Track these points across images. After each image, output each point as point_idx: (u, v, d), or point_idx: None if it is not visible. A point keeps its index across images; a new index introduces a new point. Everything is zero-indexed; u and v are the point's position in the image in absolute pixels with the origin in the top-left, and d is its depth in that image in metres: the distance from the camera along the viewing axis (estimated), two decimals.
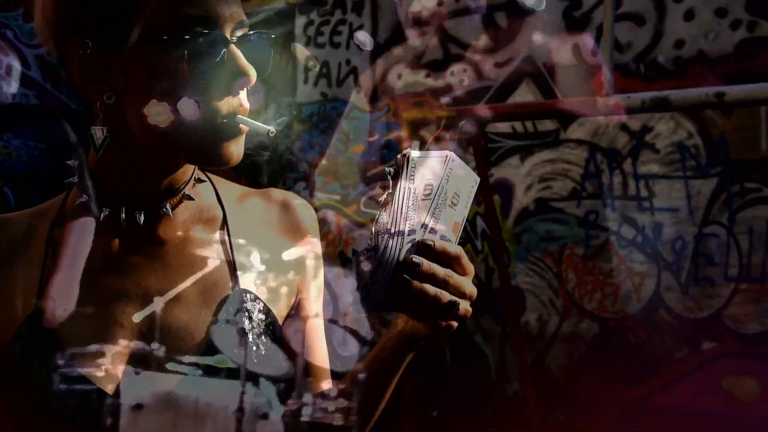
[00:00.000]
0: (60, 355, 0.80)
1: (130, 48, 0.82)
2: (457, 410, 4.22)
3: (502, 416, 4.09)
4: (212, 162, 0.87)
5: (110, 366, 0.83)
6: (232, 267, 0.91)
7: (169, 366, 0.81)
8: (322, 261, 1.04)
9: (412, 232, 0.82)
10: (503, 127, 4.14)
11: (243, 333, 0.87)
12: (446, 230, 0.85)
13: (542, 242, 4.08)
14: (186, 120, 0.79)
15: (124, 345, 0.83)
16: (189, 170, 0.92)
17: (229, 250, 0.91)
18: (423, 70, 4.53)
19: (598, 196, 3.90)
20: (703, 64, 3.62)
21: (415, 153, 0.83)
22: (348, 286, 0.81)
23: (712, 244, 3.60)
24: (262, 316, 0.90)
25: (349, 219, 4.85)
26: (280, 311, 0.95)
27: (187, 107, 0.79)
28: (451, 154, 0.84)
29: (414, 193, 0.82)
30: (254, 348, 0.88)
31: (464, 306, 0.86)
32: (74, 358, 0.82)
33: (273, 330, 0.91)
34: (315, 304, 1.01)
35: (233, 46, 0.82)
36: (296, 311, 0.99)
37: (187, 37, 0.79)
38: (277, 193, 1.03)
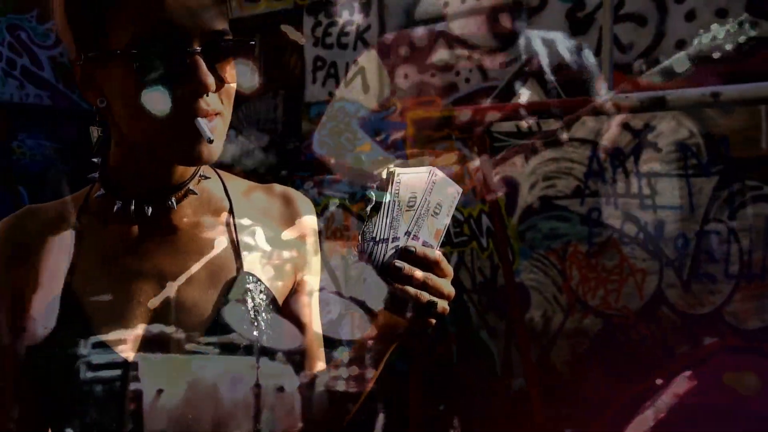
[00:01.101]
0: (84, 329, 0.89)
1: (105, 58, 0.91)
2: (463, 405, 4.27)
3: (508, 411, 4.13)
4: (186, 160, 0.96)
5: (132, 346, 0.93)
6: (237, 251, 1.00)
7: (188, 347, 0.89)
8: (318, 248, 1.13)
9: (396, 239, 0.91)
10: (507, 126, 4.19)
11: (256, 311, 0.96)
12: (428, 237, 0.93)
13: (546, 240, 4.14)
14: (152, 113, 0.87)
15: (142, 327, 0.92)
16: (192, 168, 0.99)
17: (235, 237, 1.01)
18: (429, 69, 4.59)
19: (601, 194, 3.95)
20: (704, 64, 3.66)
21: (399, 169, 0.92)
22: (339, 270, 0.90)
23: (714, 241, 3.65)
24: (263, 296, 1.00)
25: (356, 216, 4.92)
26: (280, 292, 1.04)
27: (150, 100, 0.87)
28: (434, 169, 0.92)
29: (398, 204, 0.91)
30: (261, 326, 0.97)
31: (442, 305, 0.94)
32: (98, 344, 0.91)
33: (275, 309, 1.01)
34: (312, 286, 1.10)
35: (197, 56, 0.88)
36: (296, 291, 1.08)
37: (135, 51, 0.87)
38: (279, 188, 1.13)
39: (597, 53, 3.89)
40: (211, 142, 0.89)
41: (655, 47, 3.78)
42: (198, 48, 0.89)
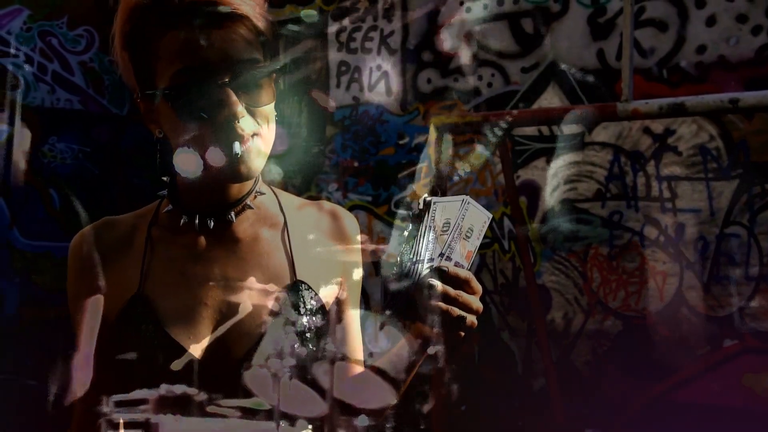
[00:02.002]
0: (156, 328, 0.99)
1: (154, 95, 1.04)
2: (485, 405, 4.31)
3: (529, 410, 4.18)
4: (230, 179, 1.07)
5: (195, 334, 1.05)
6: (291, 262, 1.12)
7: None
8: (361, 263, 1.24)
9: (431, 260, 1.01)
10: (530, 130, 4.24)
11: (308, 316, 1.06)
12: (460, 258, 1.03)
13: (567, 242, 4.18)
14: (213, 166, 0.97)
15: (206, 325, 1.03)
16: (249, 185, 1.09)
17: (289, 248, 1.13)
18: (452, 74, 4.65)
19: (622, 197, 3.99)
20: (724, 69, 3.70)
21: (436, 198, 1.02)
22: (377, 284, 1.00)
23: (733, 244, 3.68)
24: (314, 302, 1.11)
25: (380, 219, 4.98)
26: (328, 299, 1.15)
27: (215, 155, 0.97)
28: (468, 198, 1.02)
29: (434, 229, 1.01)
30: (312, 329, 1.09)
31: (470, 319, 1.04)
32: (171, 331, 1.03)
33: (322, 313, 1.12)
34: (353, 298, 1.22)
35: (226, 88, 1.01)
36: (340, 300, 1.19)
37: (168, 91, 1.00)
38: (328, 205, 1.24)
39: (618, 58, 3.94)
40: (238, 158, 0.97)
41: (676, 52, 3.82)
42: (227, 80, 1.00)
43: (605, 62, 4.01)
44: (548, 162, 4.24)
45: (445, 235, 1.02)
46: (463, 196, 1.03)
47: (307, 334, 1.08)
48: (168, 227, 1.14)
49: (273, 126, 1.08)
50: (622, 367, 3.96)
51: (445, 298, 1.00)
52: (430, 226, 1.01)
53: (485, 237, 3.95)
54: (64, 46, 5.90)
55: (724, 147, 3.71)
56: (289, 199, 1.20)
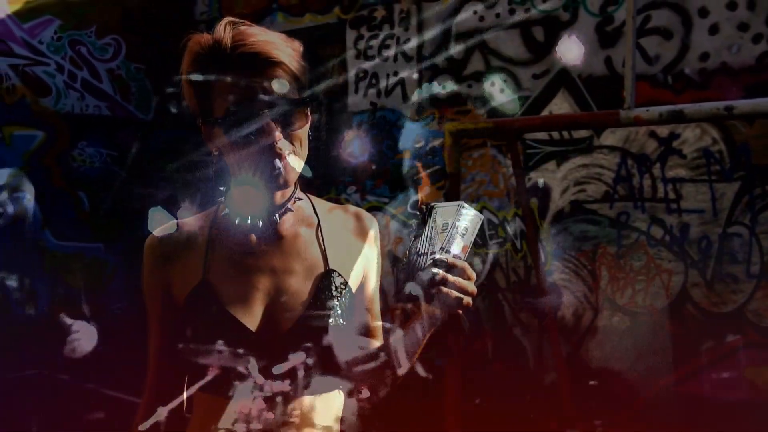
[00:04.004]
0: (219, 307, 1.20)
1: (212, 123, 1.29)
2: (498, 398, 4.45)
3: (540, 404, 4.32)
4: (275, 187, 1.32)
5: (249, 312, 1.29)
6: (324, 254, 1.37)
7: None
8: (380, 255, 1.49)
9: (433, 252, 1.24)
10: (540, 134, 4.39)
11: (338, 297, 1.33)
12: (457, 251, 1.25)
13: (577, 242, 4.33)
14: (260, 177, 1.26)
15: (258, 304, 1.26)
16: (289, 192, 1.31)
17: (322, 243, 1.38)
18: (465, 81, 4.82)
19: (629, 198, 4.14)
20: (726, 76, 3.84)
21: (437, 203, 1.26)
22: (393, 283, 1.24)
23: (736, 243, 3.82)
24: (343, 286, 1.36)
25: (397, 220, 5.14)
26: (354, 283, 1.41)
27: (261, 170, 1.27)
28: (462, 203, 1.26)
29: (435, 228, 1.24)
30: (342, 306, 1.33)
31: (467, 300, 1.24)
32: (230, 309, 1.27)
33: (350, 296, 1.37)
34: (374, 283, 1.46)
35: (267, 118, 1.26)
36: (363, 284, 1.44)
37: (223, 120, 1.26)
38: (352, 208, 1.50)
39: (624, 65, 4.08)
40: (278, 171, 1.24)
41: (680, 59, 3.96)
42: (266, 112, 1.25)
43: (613, 69, 4.16)
44: (558, 165, 4.39)
45: (444, 233, 1.24)
46: (459, 202, 1.26)
47: (338, 311, 1.32)
48: (225, 227, 1.38)
49: (306, 144, 1.34)
50: (629, 362, 4.09)
51: (445, 282, 1.21)
52: (432, 227, 1.24)
53: (498, 237, 4.12)
54: (93, 55, 6.11)
55: (727, 150, 3.84)
56: (321, 204, 1.46)
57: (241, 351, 1.15)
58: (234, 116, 1.26)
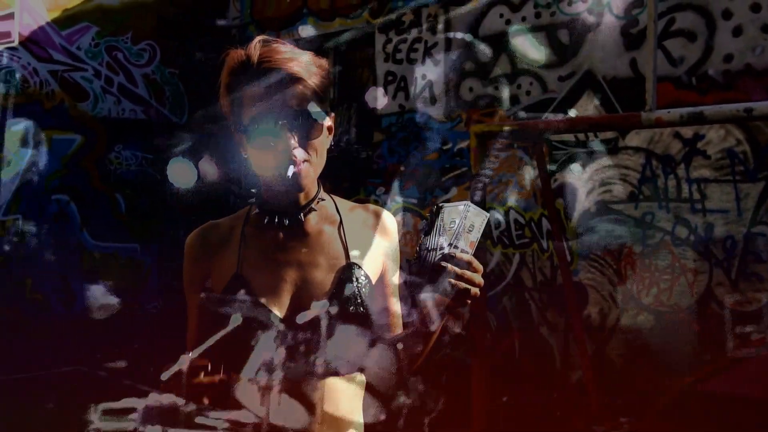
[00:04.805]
0: (251, 297, 1.32)
1: (240, 130, 1.44)
2: (525, 396, 4.51)
3: (566, 401, 4.39)
4: (292, 189, 1.44)
5: (278, 301, 1.43)
6: (346, 249, 1.50)
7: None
8: (398, 249, 1.61)
9: (442, 248, 1.35)
10: (566, 135, 4.45)
11: (359, 287, 1.46)
12: (464, 246, 1.36)
13: (603, 241, 4.38)
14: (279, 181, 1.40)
15: (286, 294, 1.43)
16: (313, 193, 1.47)
17: (344, 239, 1.51)
18: (492, 83, 4.89)
19: (654, 198, 4.18)
20: (750, 77, 3.87)
21: (445, 204, 1.36)
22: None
23: (760, 242, 3.85)
24: (363, 278, 1.48)
25: (425, 220, 5.22)
26: (373, 275, 1.52)
27: (278, 173, 1.40)
28: (468, 202, 1.37)
29: (443, 226, 1.36)
30: (362, 296, 1.46)
31: (474, 291, 1.35)
32: (262, 299, 1.42)
33: (369, 286, 1.48)
34: (392, 275, 1.57)
35: (285, 130, 1.39)
36: (382, 276, 1.55)
37: (247, 127, 1.41)
38: (372, 207, 1.61)
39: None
40: (293, 175, 1.38)
41: (705, 61, 4.00)
42: (284, 122, 1.38)
43: (637, 71, 4.21)
44: (584, 166, 4.45)
45: (452, 230, 1.35)
46: (465, 202, 1.38)
47: (359, 300, 1.45)
48: (256, 225, 1.51)
49: (323, 152, 1.47)
50: (655, 360, 4.13)
51: (453, 276, 1.32)
52: (440, 225, 1.35)
53: (525, 237, 4.19)
54: (129, 60, 6.29)
55: (751, 151, 3.88)
56: (343, 203, 1.58)
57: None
58: (256, 125, 1.40)
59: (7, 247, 5.70)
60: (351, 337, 1.40)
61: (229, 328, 1.33)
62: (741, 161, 3.90)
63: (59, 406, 4.66)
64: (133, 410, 1.29)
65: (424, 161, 5.26)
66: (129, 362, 5.46)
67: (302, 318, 1.40)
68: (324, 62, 1.47)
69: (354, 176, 5.61)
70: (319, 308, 1.41)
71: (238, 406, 1.39)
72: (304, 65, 1.42)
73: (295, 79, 1.40)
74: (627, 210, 4.29)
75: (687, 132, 4.04)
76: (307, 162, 1.41)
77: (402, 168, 5.37)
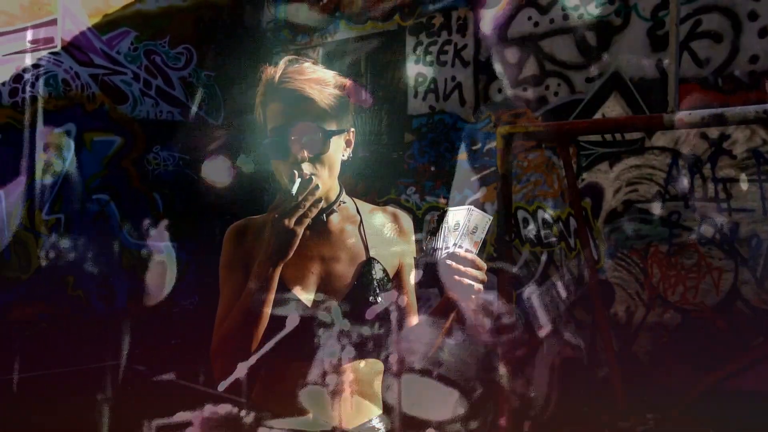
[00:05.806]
0: (282, 286, 1.44)
1: (265, 142, 1.58)
2: (552, 392, 4.57)
3: (593, 397, 4.42)
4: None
5: (307, 292, 1.57)
6: (366, 246, 1.63)
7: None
8: (414, 247, 1.73)
9: (447, 247, 1.47)
10: (593, 135, 4.52)
11: (377, 281, 1.59)
12: (469, 246, 1.47)
13: (629, 240, 4.44)
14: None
15: (311, 285, 1.58)
16: (333, 197, 1.62)
17: (364, 237, 1.64)
18: (521, 84, 4.97)
19: (680, 198, 4.23)
20: None
21: (450, 208, 1.48)
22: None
23: None
24: (381, 273, 1.61)
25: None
26: (391, 270, 1.66)
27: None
28: (471, 206, 1.48)
29: (448, 228, 1.47)
30: (381, 289, 1.59)
31: (478, 286, 1.47)
32: (290, 288, 1.55)
33: (387, 281, 1.62)
34: (409, 270, 1.70)
35: (295, 143, 1.52)
36: (399, 271, 1.68)
37: (267, 139, 1.56)
38: (390, 209, 1.74)
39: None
40: (293, 191, 1.49)
41: (730, 62, 4.04)
42: (295, 137, 1.52)
43: (663, 72, 4.26)
44: (611, 166, 4.51)
45: (457, 231, 1.47)
46: (469, 206, 1.49)
47: (377, 292, 1.58)
48: None
49: (335, 167, 1.59)
50: (681, 357, 4.18)
51: (458, 272, 1.43)
52: (445, 227, 1.48)
53: (552, 236, 4.27)
54: (167, 63, 6.46)
55: None
56: (364, 206, 1.73)
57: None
58: (274, 137, 1.54)
59: (49, 246, 5.89)
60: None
61: (287, 330, 1.45)
62: (766, 161, 3.94)
63: (101, 401, 4.81)
64: (188, 424, 1.39)
65: (453, 161, 5.35)
66: (165, 358, 5.62)
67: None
68: (347, 82, 1.61)
69: (385, 176, 5.71)
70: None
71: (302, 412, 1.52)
72: (320, 87, 1.55)
73: (308, 100, 1.53)
74: (653, 209, 4.34)
75: (713, 132, 4.08)
76: (315, 176, 1.51)
77: (432, 168, 5.46)
